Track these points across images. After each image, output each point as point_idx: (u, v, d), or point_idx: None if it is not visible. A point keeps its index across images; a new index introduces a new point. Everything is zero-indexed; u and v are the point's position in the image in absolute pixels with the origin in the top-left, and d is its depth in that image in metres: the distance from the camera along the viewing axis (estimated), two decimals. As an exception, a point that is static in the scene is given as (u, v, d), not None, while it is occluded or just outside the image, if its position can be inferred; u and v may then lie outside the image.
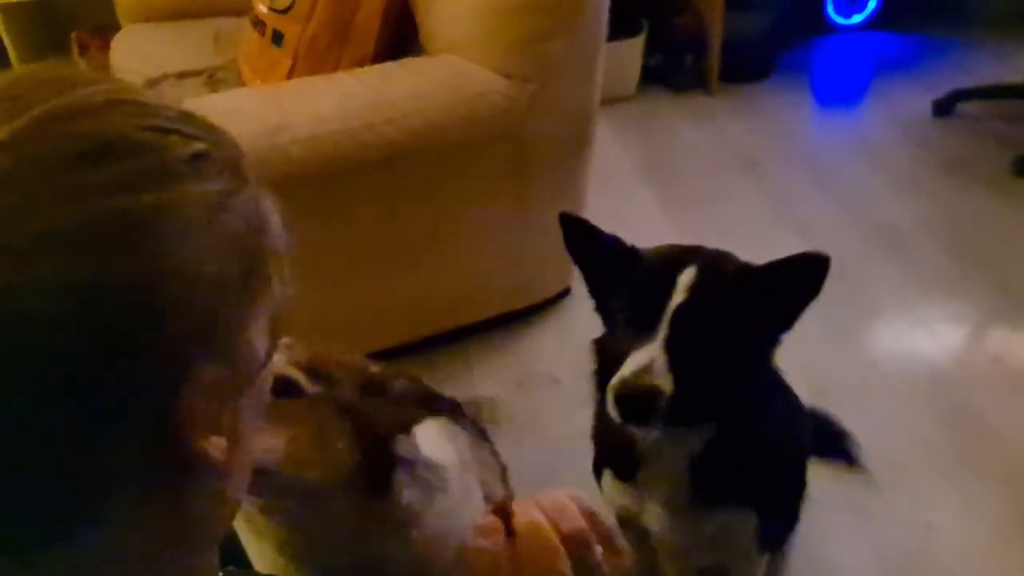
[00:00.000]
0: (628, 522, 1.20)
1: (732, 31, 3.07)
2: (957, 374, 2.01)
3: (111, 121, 0.43)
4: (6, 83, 0.44)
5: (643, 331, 0.95)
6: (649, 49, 3.13)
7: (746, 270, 1.01)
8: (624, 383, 0.92)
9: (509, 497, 1.42)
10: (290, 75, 1.84)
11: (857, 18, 3.52)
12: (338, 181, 1.61)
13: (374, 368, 0.93)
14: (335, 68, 1.83)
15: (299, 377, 0.85)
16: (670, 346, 0.93)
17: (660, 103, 3.14)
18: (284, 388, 0.85)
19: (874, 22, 3.52)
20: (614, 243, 1.07)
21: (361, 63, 1.84)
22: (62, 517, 0.43)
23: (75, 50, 3.16)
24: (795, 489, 1.29)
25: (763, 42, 3.21)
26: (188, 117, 0.48)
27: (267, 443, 0.79)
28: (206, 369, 0.45)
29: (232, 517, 0.56)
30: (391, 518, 0.94)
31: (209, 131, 0.48)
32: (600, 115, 2.00)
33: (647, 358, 0.92)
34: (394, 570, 0.98)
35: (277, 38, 1.86)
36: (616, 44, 2.93)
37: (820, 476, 1.73)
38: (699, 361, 0.94)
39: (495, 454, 1.43)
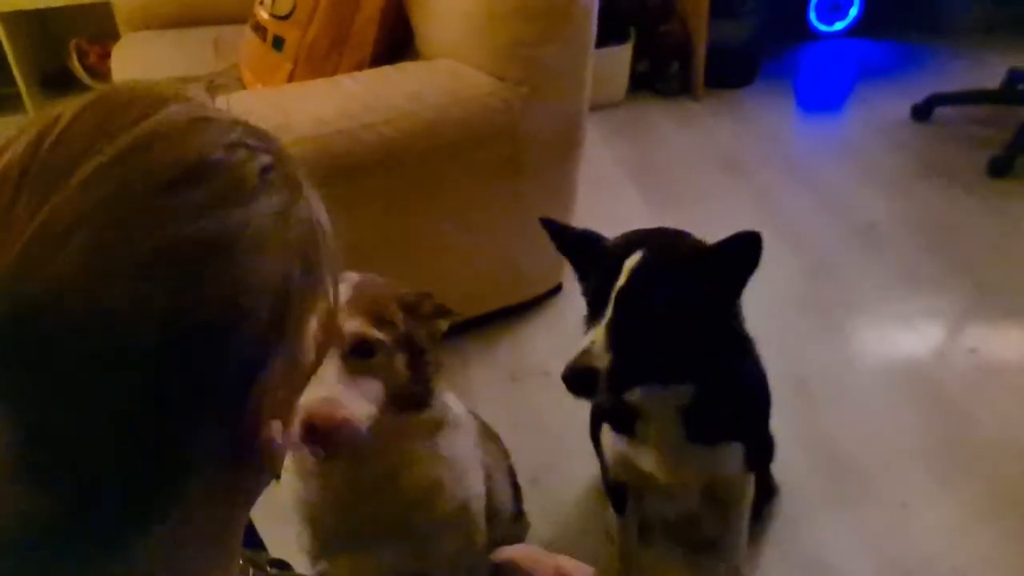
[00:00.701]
0: (628, 466, 1.34)
1: (717, 38, 3.15)
2: (934, 365, 2.08)
3: (192, 144, 0.47)
4: (89, 109, 0.47)
5: (597, 314, 1.07)
6: (637, 56, 3.21)
7: (687, 252, 1.11)
8: (568, 366, 1.04)
9: (517, 491, 1.49)
10: (290, 79, 1.91)
11: (839, 25, 3.61)
12: (337, 180, 1.63)
13: (411, 295, 1.09)
14: (334, 72, 1.89)
15: (373, 334, 0.99)
16: (612, 326, 1.04)
17: (648, 108, 3.22)
18: (362, 348, 0.99)
19: (856, 29, 3.61)
20: (583, 235, 1.18)
21: (359, 67, 1.91)
22: (155, 501, 0.48)
23: (74, 57, 3.22)
24: (767, 416, 1.40)
25: (747, 49, 3.29)
26: (247, 128, 0.51)
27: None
28: (276, 364, 0.50)
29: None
30: (423, 425, 1.10)
31: (265, 139, 0.52)
32: (591, 120, 2.07)
33: (588, 342, 1.04)
34: (403, 496, 1.10)
35: (278, 43, 1.92)
36: (605, 51, 3.01)
37: (803, 461, 1.81)
38: (639, 337, 1.05)
39: (504, 453, 1.49)
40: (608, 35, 2.99)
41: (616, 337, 1.04)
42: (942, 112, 3.03)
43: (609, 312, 1.05)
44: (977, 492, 1.74)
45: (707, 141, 3.02)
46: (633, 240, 1.11)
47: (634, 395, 1.14)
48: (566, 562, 0.81)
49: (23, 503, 0.43)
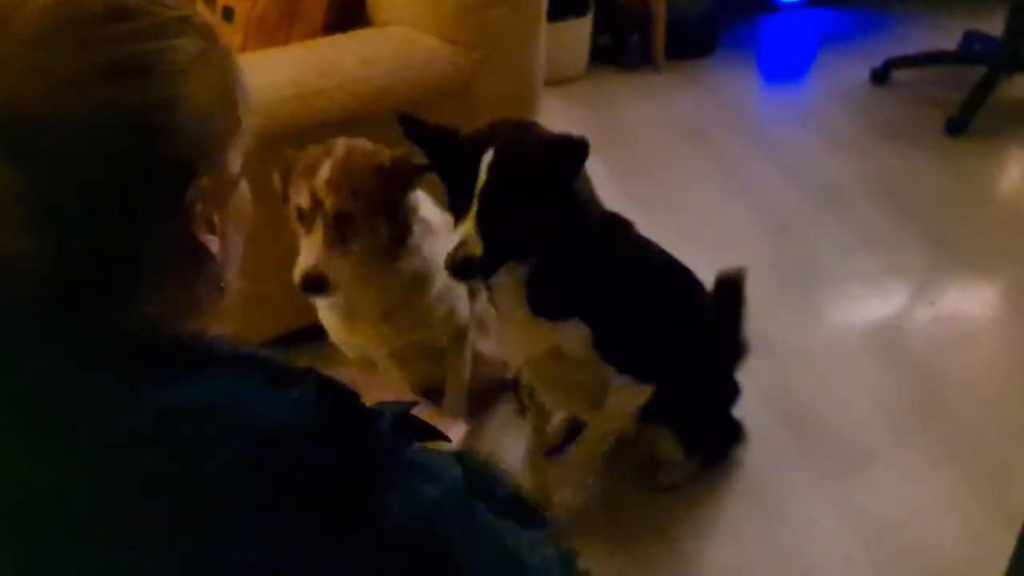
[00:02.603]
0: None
1: (675, 10, 3.16)
2: (895, 319, 2.11)
3: None
4: None
5: (463, 210, 1.22)
6: (597, 29, 3.20)
7: (530, 146, 1.23)
8: (451, 257, 1.21)
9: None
10: (242, 50, 1.89)
11: (798, -4, 3.63)
12: (290, 147, 1.65)
13: (386, 158, 1.39)
14: (286, 43, 1.87)
15: (349, 207, 1.33)
16: (479, 219, 1.20)
17: (609, 81, 3.22)
18: (344, 218, 1.33)
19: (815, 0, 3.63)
20: (440, 131, 1.28)
21: (311, 37, 1.89)
22: (123, 278, 0.60)
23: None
24: (629, 310, 1.41)
25: (705, 20, 3.30)
26: None
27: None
28: (203, 178, 0.62)
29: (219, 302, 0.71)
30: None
31: (184, 4, 0.64)
32: (552, 93, 2.07)
33: (463, 235, 1.20)
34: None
35: (228, 14, 1.90)
36: (565, 24, 3.01)
37: (767, 416, 1.82)
38: (502, 225, 1.21)
39: None
40: (567, 8, 2.99)
41: (484, 228, 1.20)
42: (900, 75, 3.06)
43: (475, 207, 1.20)
44: (936, 438, 1.77)
45: (669, 111, 3.02)
46: (484, 135, 1.24)
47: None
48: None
49: (31, 242, 0.55)
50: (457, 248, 1.20)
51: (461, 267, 1.21)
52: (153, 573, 0.56)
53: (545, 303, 1.35)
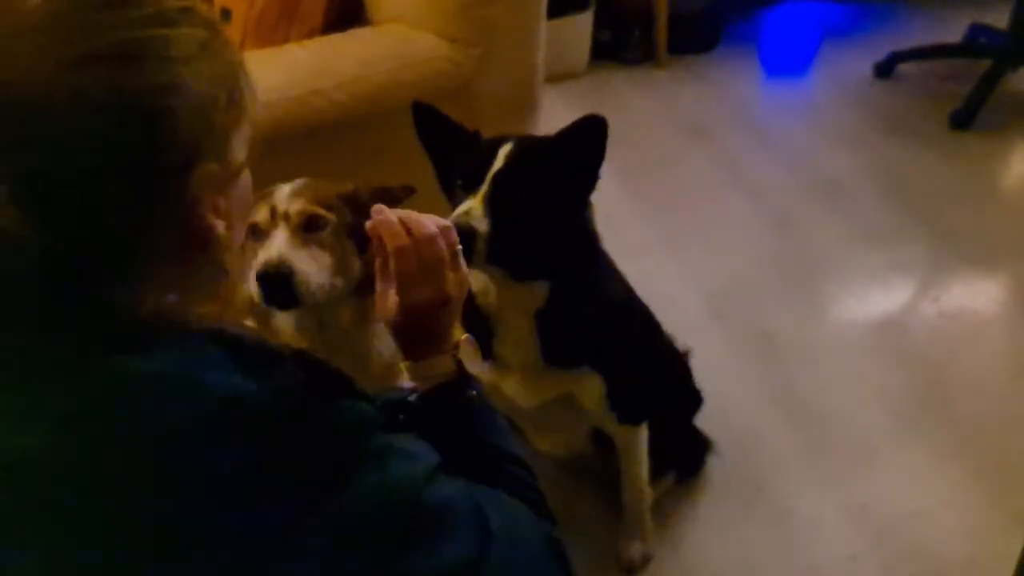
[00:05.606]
0: (494, 395, 1.34)
1: (677, 5, 3.14)
2: (899, 315, 2.10)
3: None
4: None
5: (470, 191, 1.15)
6: (599, 25, 3.19)
7: (550, 141, 1.19)
8: (451, 222, 1.07)
9: None
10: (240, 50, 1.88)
11: (801, -11, 3.60)
12: (289, 147, 1.64)
13: (350, 187, 1.24)
14: (284, 42, 1.86)
15: (320, 211, 1.16)
16: (489, 199, 1.12)
17: (611, 77, 3.20)
18: (312, 223, 1.16)
19: (818, -8, 3.61)
20: (460, 128, 1.24)
21: (310, 37, 1.88)
22: (125, 257, 0.61)
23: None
24: (635, 357, 1.39)
25: (708, 15, 3.29)
26: None
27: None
28: (207, 164, 0.64)
29: (228, 296, 0.75)
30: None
31: None
32: (553, 90, 2.05)
33: (467, 207, 1.11)
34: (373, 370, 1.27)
35: (225, 15, 1.89)
36: (565, 20, 3.00)
37: (769, 413, 1.82)
38: (511, 211, 1.12)
39: None
40: (567, 4, 2.97)
41: (493, 208, 1.11)
42: (904, 69, 3.04)
43: (485, 188, 1.13)
44: (941, 435, 1.76)
45: (671, 107, 3.01)
46: (503, 136, 1.20)
47: (497, 277, 1.20)
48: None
49: (32, 223, 0.55)
50: (459, 215, 1.08)
51: (460, 239, 1.07)
52: (110, 541, 0.58)
53: (559, 350, 1.27)
